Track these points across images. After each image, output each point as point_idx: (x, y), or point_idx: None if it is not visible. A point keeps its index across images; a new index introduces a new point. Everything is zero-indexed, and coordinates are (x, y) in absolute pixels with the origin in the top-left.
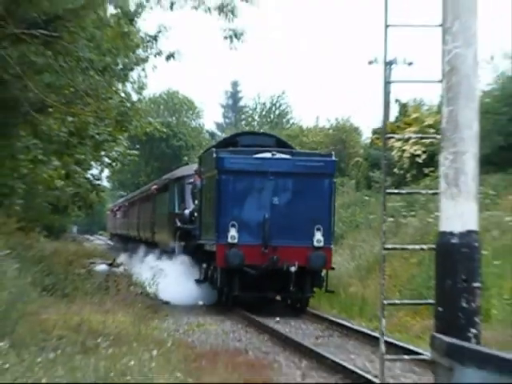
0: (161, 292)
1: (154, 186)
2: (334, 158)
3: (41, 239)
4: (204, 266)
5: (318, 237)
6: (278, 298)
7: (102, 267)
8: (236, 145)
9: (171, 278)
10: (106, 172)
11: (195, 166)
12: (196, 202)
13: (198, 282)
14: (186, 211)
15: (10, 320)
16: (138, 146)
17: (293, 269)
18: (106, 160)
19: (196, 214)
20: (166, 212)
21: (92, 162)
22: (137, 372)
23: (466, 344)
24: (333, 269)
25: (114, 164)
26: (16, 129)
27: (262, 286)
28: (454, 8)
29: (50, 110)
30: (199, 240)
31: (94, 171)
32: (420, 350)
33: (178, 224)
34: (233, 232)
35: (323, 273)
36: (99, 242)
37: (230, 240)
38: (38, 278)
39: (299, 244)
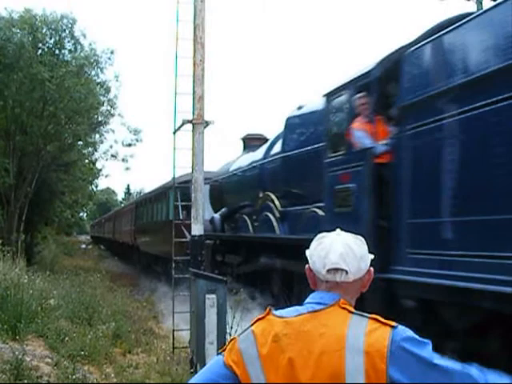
0: None
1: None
2: None
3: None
4: None
5: None
6: None
7: (83, 246)
8: None
9: None
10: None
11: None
12: None
13: None
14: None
15: (52, 264)
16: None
17: None
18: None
19: None
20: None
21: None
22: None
23: (198, 271)
24: None
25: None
26: (55, 198)
27: None
28: (197, 161)
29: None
30: None
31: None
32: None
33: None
34: None
35: None
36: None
37: None
38: (62, 250)
39: None
